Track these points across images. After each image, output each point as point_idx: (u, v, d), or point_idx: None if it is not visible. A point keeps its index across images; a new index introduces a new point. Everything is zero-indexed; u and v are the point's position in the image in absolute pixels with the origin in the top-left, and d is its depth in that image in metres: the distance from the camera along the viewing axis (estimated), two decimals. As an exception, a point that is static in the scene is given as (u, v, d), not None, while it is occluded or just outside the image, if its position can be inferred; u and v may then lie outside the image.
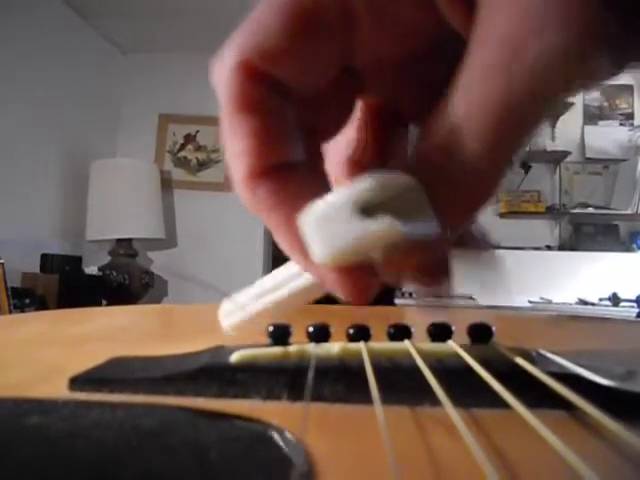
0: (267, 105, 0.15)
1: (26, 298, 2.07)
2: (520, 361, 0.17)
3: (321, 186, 0.16)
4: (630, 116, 3.02)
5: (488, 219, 3.04)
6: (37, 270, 2.32)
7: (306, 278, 0.17)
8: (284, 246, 0.16)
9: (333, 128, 0.19)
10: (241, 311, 0.18)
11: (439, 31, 0.16)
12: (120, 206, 2.59)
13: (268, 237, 2.66)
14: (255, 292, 0.18)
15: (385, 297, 2.57)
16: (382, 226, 0.13)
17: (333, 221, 0.14)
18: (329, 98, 0.17)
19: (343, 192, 0.14)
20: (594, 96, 3.02)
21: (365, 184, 0.13)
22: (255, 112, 0.15)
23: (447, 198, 0.14)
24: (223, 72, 0.15)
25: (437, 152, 0.14)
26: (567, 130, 3.02)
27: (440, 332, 0.20)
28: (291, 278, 0.17)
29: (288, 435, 0.13)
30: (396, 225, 0.13)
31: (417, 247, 0.14)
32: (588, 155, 2.98)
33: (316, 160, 0.18)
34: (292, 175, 0.16)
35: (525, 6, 0.13)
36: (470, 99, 0.13)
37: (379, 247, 0.13)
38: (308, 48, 0.15)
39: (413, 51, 0.17)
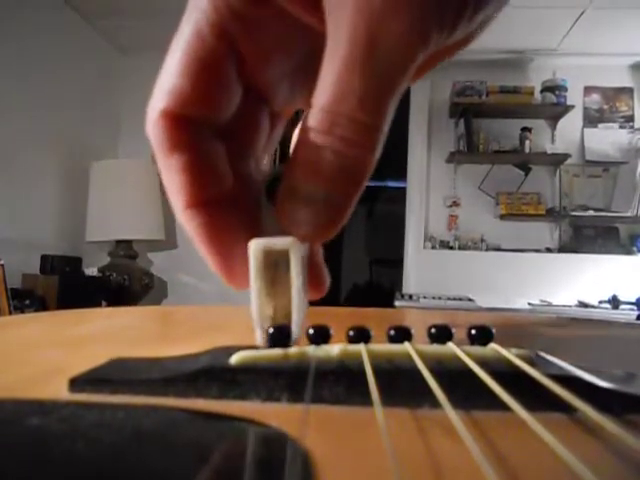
0: (191, 142, 0.19)
1: (26, 299, 2.07)
2: (520, 363, 0.17)
3: (247, 214, 0.21)
4: (630, 119, 3.02)
5: (488, 221, 3.05)
6: (37, 271, 2.32)
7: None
8: (215, 266, 0.21)
9: (256, 142, 0.22)
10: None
11: (312, 38, 0.19)
12: (120, 207, 2.59)
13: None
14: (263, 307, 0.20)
15: (385, 299, 2.57)
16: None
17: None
18: (245, 118, 0.21)
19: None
20: (594, 99, 3.02)
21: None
22: (182, 150, 0.19)
23: (333, 166, 0.17)
24: (151, 122, 0.19)
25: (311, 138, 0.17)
26: (567, 133, 3.02)
27: (440, 334, 0.20)
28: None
29: (288, 437, 0.13)
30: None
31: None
32: (588, 158, 2.99)
33: (243, 181, 0.21)
34: (220, 209, 0.20)
35: (366, 3, 0.15)
36: (335, 90, 0.16)
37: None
38: (210, 88, 0.18)
39: (297, 60, 0.20)
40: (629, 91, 3.03)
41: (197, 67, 0.18)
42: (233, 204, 0.21)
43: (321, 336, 0.19)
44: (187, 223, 0.20)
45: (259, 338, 0.21)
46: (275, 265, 0.20)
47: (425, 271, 3.04)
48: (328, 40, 0.16)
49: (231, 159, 0.21)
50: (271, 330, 0.19)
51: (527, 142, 2.93)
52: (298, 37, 0.20)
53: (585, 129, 3.03)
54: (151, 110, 0.19)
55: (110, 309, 0.51)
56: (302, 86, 0.22)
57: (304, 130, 0.17)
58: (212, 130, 0.19)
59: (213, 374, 0.17)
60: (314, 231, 0.18)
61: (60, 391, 0.18)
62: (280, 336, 0.19)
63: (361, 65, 0.15)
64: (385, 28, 0.15)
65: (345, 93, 0.16)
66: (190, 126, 0.19)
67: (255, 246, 0.19)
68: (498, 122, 3.04)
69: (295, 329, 0.20)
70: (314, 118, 0.17)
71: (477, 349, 0.18)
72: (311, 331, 0.20)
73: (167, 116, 0.18)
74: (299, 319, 0.20)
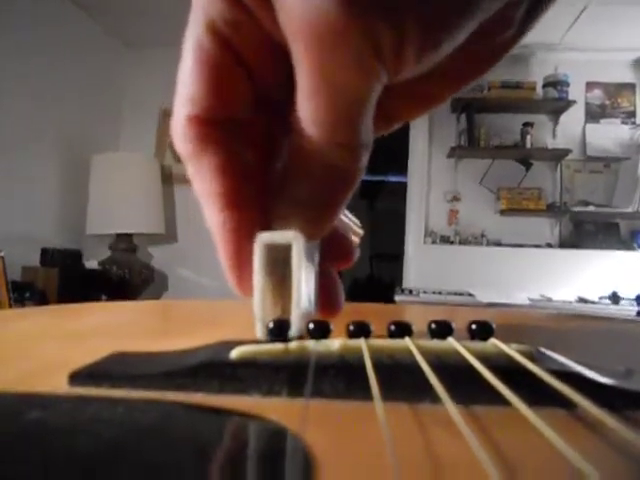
0: (220, 143, 0.20)
1: (26, 292, 2.07)
2: (520, 359, 0.17)
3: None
4: (632, 114, 3.01)
5: (489, 216, 3.05)
6: (37, 264, 2.32)
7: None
8: (229, 271, 0.21)
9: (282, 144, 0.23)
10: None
11: None
12: (121, 200, 2.58)
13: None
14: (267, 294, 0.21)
15: (385, 294, 2.58)
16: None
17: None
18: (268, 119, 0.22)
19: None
20: (596, 94, 3.01)
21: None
22: (213, 151, 0.20)
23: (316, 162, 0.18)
24: (178, 130, 0.20)
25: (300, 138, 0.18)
26: (568, 128, 3.01)
27: (440, 329, 0.20)
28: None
29: (288, 431, 0.13)
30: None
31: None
32: (589, 153, 2.98)
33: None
34: (250, 214, 0.21)
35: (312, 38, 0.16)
36: (304, 113, 0.18)
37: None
38: (222, 89, 0.19)
39: None
40: (631, 87, 3.02)
41: (204, 72, 0.19)
42: (261, 209, 0.21)
43: (321, 331, 0.19)
44: (218, 225, 0.21)
45: (259, 332, 0.21)
46: (284, 263, 0.20)
47: (425, 266, 3.04)
48: (295, 66, 0.17)
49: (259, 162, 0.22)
50: (270, 324, 0.19)
51: (528, 137, 2.92)
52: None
53: (587, 124, 3.02)
54: (176, 120, 0.20)
55: (110, 303, 0.51)
56: None
57: (295, 134, 0.18)
58: (237, 131, 0.20)
59: (213, 368, 0.17)
60: (301, 228, 0.19)
61: (60, 385, 0.18)
62: (278, 330, 0.19)
63: (316, 99, 0.17)
64: (328, 66, 0.16)
65: (310, 117, 0.17)
66: (216, 128, 0.20)
67: (259, 239, 0.20)
68: (499, 117, 3.03)
69: (295, 323, 0.20)
70: (299, 133, 0.18)
71: (477, 344, 0.18)
72: (311, 326, 0.20)
73: (193, 120, 0.19)
74: (300, 313, 0.20)
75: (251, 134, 0.21)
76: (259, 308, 0.21)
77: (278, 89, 0.21)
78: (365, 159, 0.19)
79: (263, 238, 0.20)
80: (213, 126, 0.20)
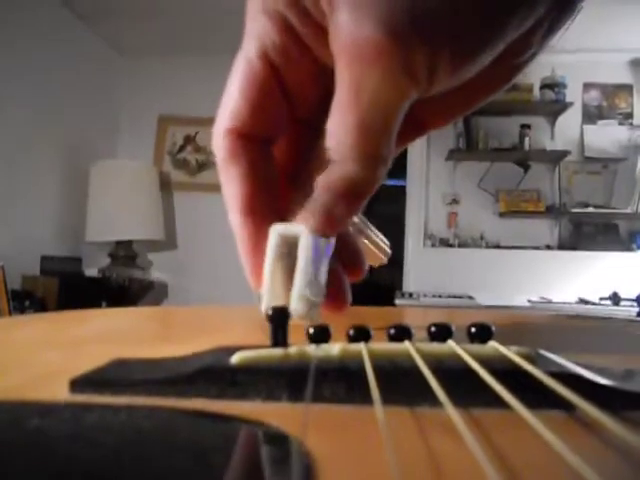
0: (249, 155, 0.22)
1: (26, 300, 2.07)
2: (520, 361, 0.17)
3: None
4: (629, 115, 3.02)
5: (488, 219, 3.05)
6: (37, 272, 2.32)
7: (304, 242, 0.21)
8: (250, 274, 0.24)
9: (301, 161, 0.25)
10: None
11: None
12: (120, 208, 2.58)
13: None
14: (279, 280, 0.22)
15: (385, 297, 2.57)
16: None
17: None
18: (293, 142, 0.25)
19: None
20: (593, 95, 3.02)
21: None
22: (241, 162, 0.22)
23: (337, 175, 0.20)
24: (217, 140, 0.22)
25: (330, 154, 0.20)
26: (566, 129, 3.02)
27: (440, 332, 0.20)
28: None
29: (288, 436, 0.13)
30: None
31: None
32: (587, 154, 2.98)
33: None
34: (269, 222, 0.22)
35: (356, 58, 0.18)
36: (336, 126, 0.20)
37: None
38: (262, 108, 0.22)
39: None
40: (628, 87, 3.03)
41: (251, 89, 0.21)
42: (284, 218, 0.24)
43: (321, 335, 0.19)
44: (239, 229, 0.23)
45: (263, 313, 0.21)
46: (294, 257, 0.22)
47: (425, 269, 3.03)
48: (336, 80, 0.19)
49: (287, 175, 0.25)
50: (270, 311, 0.20)
51: (526, 139, 2.93)
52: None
53: (584, 126, 3.02)
54: (216, 129, 0.23)
55: (110, 310, 0.51)
56: None
57: (323, 147, 0.21)
58: (267, 148, 0.23)
59: (214, 374, 0.17)
60: (313, 226, 0.21)
61: (61, 392, 0.18)
62: (278, 315, 0.20)
63: (350, 108, 0.19)
64: (366, 79, 0.18)
65: (343, 126, 0.19)
66: (249, 141, 0.22)
67: (273, 228, 0.22)
68: (497, 119, 3.03)
69: (293, 303, 0.21)
70: (328, 140, 0.20)
71: (477, 347, 0.18)
72: (311, 330, 0.20)
73: (230, 133, 0.22)
74: (298, 295, 0.21)
75: (278, 148, 0.24)
76: (265, 290, 0.22)
77: (312, 109, 0.23)
78: (382, 172, 0.20)
79: (277, 228, 0.22)
80: (246, 140, 0.22)
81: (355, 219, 0.26)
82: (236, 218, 0.23)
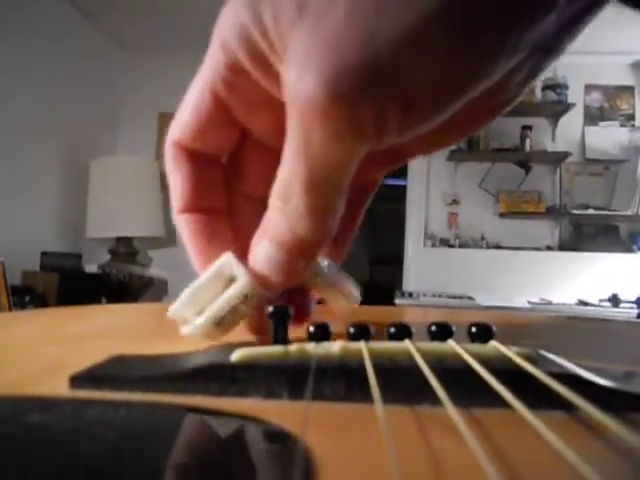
0: (192, 164, 0.25)
1: (26, 296, 2.07)
2: (520, 361, 0.17)
3: (240, 232, 0.26)
4: (631, 117, 3.02)
5: (489, 219, 3.05)
6: (37, 268, 2.32)
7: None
8: (197, 268, 0.26)
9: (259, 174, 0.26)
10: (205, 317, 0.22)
11: None
12: (120, 204, 2.58)
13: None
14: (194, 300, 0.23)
15: (385, 297, 2.57)
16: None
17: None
18: (247, 156, 0.26)
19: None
20: (595, 97, 3.02)
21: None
22: (184, 169, 0.25)
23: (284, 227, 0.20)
24: (166, 147, 0.25)
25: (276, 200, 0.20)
26: (568, 131, 3.02)
27: (440, 332, 0.20)
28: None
29: (288, 434, 0.13)
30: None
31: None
32: (589, 156, 2.98)
33: (233, 206, 0.27)
34: (211, 221, 0.25)
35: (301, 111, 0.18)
36: (286, 173, 0.19)
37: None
38: (206, 129, 0.23)
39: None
40: (630, 89, 3.03)
41: (198, 113, 0.23)
42: (226, 220, 0.26)
43: (321, 333, 0.19)
44: (179, 226, 0.26)
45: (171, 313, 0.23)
46: (228, 282, 0.23)
47: (425, 269, 3.04)
48: (287, 121, 0.19)
49: (230, 184, 0.26)
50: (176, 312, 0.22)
51: (527, 140, 2.93)
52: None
53: (586, 127, 3.02)
54: (167, 137, 0.24)
55: (110, 306, 0.51)
56: None
57: (272, 191, 0.21)
58: (213, 159, 0.26)
59: (214, 371, 0.17)
60: (260, 276, 0.22)
61: (61, 388, 0.18)
62: (278, 313, 0.21)
63: (300, 159, 0.19)
64: (314, 134, 0.18)
65: (292, 177, 0.19)
66: (193, 154, 0.25)
67: (227, 255, 0.23)
68: (498, 120, 2.99)
69: (193, 328, 0.22)
70: (276, 185, 0.20)
71: (477, 347, 0.18)
72: (312, 328, 0.20)
73: (176, 145, 0.24)
74: (201, 326, 0.22)
75: (232, 163, 0.26)
76: (183, 296, 0.23)
77: (272, 133, 0.24)
78: (332, 224, 0.20)
79: (229, 258, 0.23)
80: (190, 153, 0.24)
81: (325, 269, 0.25)
82: (177, 216, 0.26)
